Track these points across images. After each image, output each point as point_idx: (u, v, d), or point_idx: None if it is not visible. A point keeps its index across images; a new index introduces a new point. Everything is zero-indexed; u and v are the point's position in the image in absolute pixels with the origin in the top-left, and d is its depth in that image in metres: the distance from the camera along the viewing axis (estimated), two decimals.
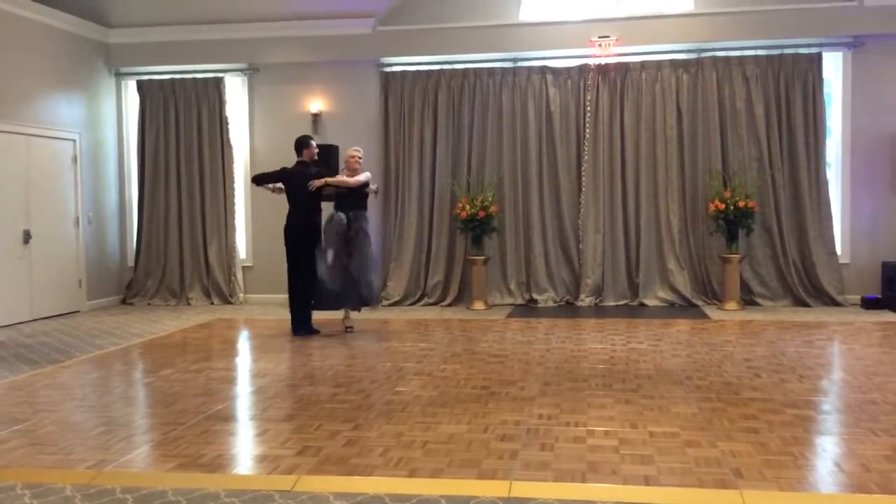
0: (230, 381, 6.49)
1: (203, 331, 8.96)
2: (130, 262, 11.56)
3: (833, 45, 10.10)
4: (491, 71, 10.71)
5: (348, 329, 8.53)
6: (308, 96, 11.09)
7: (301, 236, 8.25)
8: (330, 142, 10.57)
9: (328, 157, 9.75)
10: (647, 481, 3.94)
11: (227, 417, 5.29)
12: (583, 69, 10.51)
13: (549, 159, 10.63)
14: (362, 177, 8.30)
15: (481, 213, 10.16)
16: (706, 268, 10.37)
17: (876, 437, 4.57)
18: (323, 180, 8.19)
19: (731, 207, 9.67)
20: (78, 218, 10.69)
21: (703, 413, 5.12)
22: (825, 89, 10.14)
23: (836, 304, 9.96)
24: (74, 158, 10.65)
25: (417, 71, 10.85)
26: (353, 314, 8.65)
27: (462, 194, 10.47)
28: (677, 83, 10.35)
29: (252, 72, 11.23)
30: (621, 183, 10.51)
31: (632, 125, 10.46)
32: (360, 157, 8.42)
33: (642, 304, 10.33)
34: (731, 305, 9.83)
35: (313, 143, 8.58)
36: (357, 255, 8.15)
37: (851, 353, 7.21)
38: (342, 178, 8.28)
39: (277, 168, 8.64)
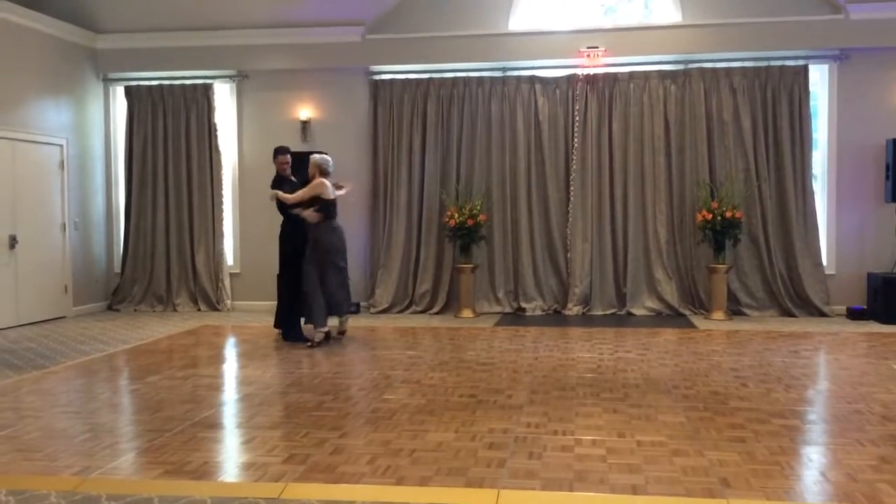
0: (217, 388, 6.47)
1: (190, 337, 8.92)
2: (117, 268, 11.49)
3: (819, 58, 10.19)
4: (480, 80, 10.73)
5: (341, 333, 8.62)
6: (297, 103, 11.08)
7: (280, 243, 8.58)
8: (319, 149, 10.54)
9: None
10: (635, 490, 3.95)
11: (214, 424, 5.27)
12: (571, 79, 10.55)
13: (538, 168, 10.66)
14: (301, 192, 8.18)
15: (469, 222, 10.17)
16: (693, 278, 10.41)
17: (862, 447, 4.59)
18: (273, 193, 8.33)
19: (718, 218, 9.72)
20: (64, 223, 10.63)
21: (690, 422, 5.14)
22: (811, 101, 10.23)
23: (822, 314, 10.02)
24: (61, 164, 10.60)
25: (406, 79, 10.86)
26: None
27: (450, 203, 10.48)
28: (665, 94, 10.40)
29: (241, 78, 11.21)
30: (609, 192, 10.55)
31: (620, 135, 10.50)
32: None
33: (630, 314, 10.35)
34: (718, 315, 9.86)
35: (282, 154, 8.64)
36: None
37: (837, 363, 7.24)
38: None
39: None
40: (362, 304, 10.88)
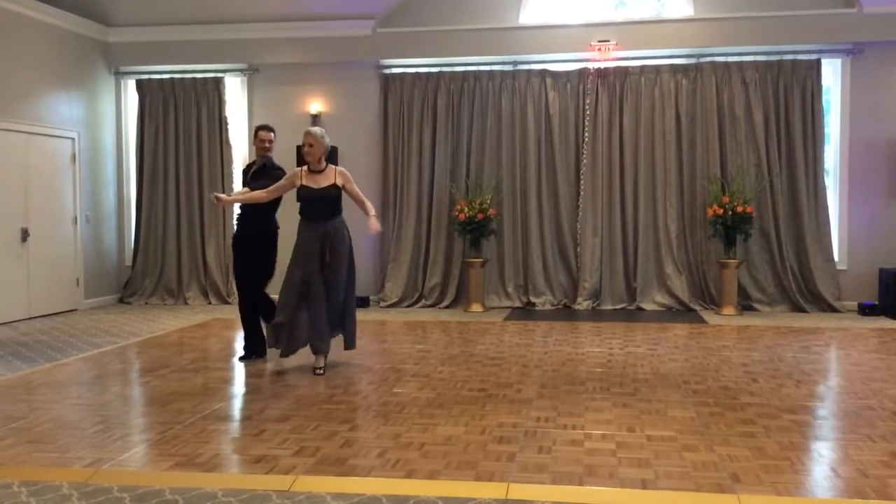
0: (227, 380, 6.49)
1: (200, 330, 8.95)
2: (128, 262, 11.54)
3: (832, 52, 10.13)
4: (490, 74, 10.72)
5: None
6: (307, 97, 11.09)
7: None
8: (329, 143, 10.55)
9: (328, 159, 9.71)
10: (645, 485, 3.95)
11: (225, 417, 5.29)
12: (582, 73, 10.52)
13: (548, 163, 10.64)
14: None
15: (479, 216, 10.17)
16: (704, 273, 10.37)
17: (872, 443, 4.58)
18: None
19: (730, 213, 9.68)
20: (76, 217, 10.68)
21: (700, 417, 5.13)
22: (824, 96, 10.17)
23: (833, 310, 9.98)
24: (73, 157, 10.64)
25: (417, 73, 10.85)
26: None
27: (460, 196, 10.48)
28: (676, 88, 10.36)
29: (252, 72, 11.23)
30: (619, 187, 10.52)
31: (631, 129, 10.47)
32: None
33: (640, 308, 10.34)
34: (729, 310, 9.83)
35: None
36: None
37: (848, 359, 7.22)
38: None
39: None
40: (372, 298, 10.90)
